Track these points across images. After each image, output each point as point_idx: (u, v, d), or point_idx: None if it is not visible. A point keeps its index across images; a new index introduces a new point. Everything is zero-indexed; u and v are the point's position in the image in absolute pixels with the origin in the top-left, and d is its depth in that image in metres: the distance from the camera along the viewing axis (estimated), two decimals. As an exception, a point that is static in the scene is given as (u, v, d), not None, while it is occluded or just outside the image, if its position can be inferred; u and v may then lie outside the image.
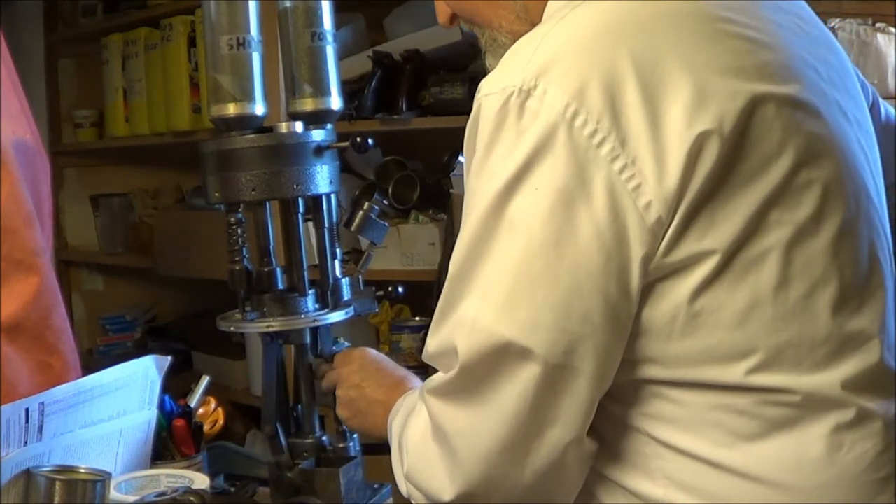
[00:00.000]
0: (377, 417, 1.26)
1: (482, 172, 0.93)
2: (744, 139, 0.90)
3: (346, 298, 1.37)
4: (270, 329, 1.31)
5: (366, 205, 1.38)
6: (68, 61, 3.48)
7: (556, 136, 0.89)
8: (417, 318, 2.58)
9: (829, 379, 0.93)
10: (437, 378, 0.99)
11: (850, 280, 0.95)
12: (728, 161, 0.90)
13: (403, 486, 1.07)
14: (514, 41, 0.99)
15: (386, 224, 1.41)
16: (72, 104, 3.45)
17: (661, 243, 0.90)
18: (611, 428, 0.99)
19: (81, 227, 3.45)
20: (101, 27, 3.25)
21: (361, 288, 1.39)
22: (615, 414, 0.98)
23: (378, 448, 1.50)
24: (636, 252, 0.89)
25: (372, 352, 1.35)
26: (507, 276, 0.92)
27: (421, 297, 2.42)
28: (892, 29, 2.05)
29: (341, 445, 1.36)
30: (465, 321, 0.94)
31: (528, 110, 0.90)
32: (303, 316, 1.32)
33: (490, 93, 0.93)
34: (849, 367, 0.94)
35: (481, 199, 0.93)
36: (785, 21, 1.02)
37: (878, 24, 2.03)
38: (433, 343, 0.99)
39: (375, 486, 1.39)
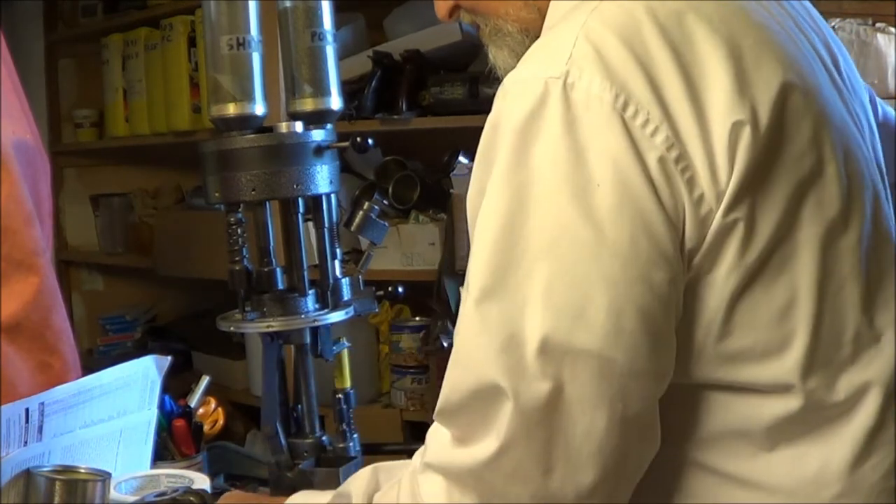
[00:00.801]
0: None
1: (519, 169, 0.87)
2: (781, 128, 0.88)
3: (346, 298, 1.37)
4: (270, 329, 1.31)
5: (366, 205, 1.38)
6: (68, 61, 3.48)
7: (612, 128, 0.85)
8: (417, 318, 2.58)
9: (853, 381, 0.91)
10: (469, 450, 0.88)
11: (872, 280, 0.94)
12: (766, 153, 0.87)
13: None
14: (522, 29, 0.97)
15: (386, 224, 1.41)
16: (72, 104, 3.45)
17: (705, 238, 0.86)
18: None
19: (81, 227, 3.46)
20: (101, 27, 3.25)
21: (361, 288, 1.39)
22: None
23: (378, 448, 1.50)
24: (687, 244, 0.86)
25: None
26: (575, 281, 0.85)
27: (421, 297, 2.42)
28: (892, 29, 2.05)
29: (341, 445, 1.36)
30: (528, 343, 0.84)
31: (576, 102, 0.86)
32: (303, 316, 1.32)
33: (523, 82, 0.88)
34: (871, 370, 0.92)
35: (526, 199, 0.86)
36: (799, 20, 1.02)
37: (878, 24, 2.03)
38: (464, 384, 0.88)
39: (375, 486, 1.38)
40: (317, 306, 1.34)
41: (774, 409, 0.90)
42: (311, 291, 1.34)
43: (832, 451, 0.91)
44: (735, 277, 0.87)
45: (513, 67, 0.95)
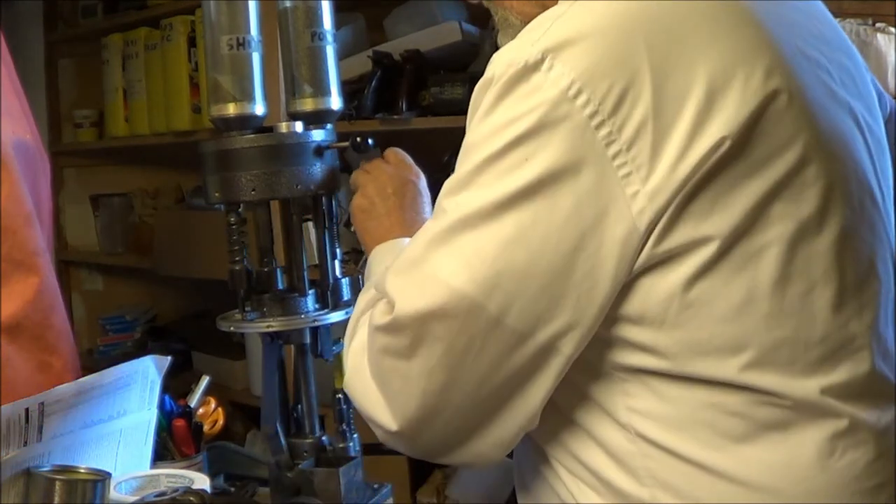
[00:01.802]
0: (367, 243, 1.28)
1: (477, 136, 0.94)
2: (752, 133, 0.90)
3: (346, 298, 1.37)
4: (270, 329, 1.31)
5: None
6: (68, 61, 3.47)
7: (557, 112, 0.89)
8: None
9: (821, 383, 0.93)
10: (385, 318, 0.97)
11: (848, 284, 0.95)
12: (733, 154, 0.90)
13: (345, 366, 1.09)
14: (524, 22, 1.00)
15: None
16: (72, 104, 3.45)
17: (649, 234, 0.90)
18: (597, 423, 0.98)
19: (81, 227, 3.45)
20: (101, 27, 3.24)
21: (361, 288, 1.39)
22: (602, 408, 0.98)
23: (378, 448, 1.50)
24: (613, 236, 0.90)
25: (406, 171, 1.37)
26: (478, 234, 0.92)
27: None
28: (892, 29, 2.05)
29: (341, 445, 1.36)
30: (435, 275, 0.93)
31: (532, 83, 0.91)
32: (303, 316, 1.32)
33: (500, 62, 0.93)
34: (842, 372, 0.94)
35: (470, 163, 0.94)
36: (800, 19, 1.02)
37: (878, 24, 2.03)
38: (395, 281, 0.97)
39: (375, 486, 1.39)
40: (317, 306, 1.34)
41: (736, 402, 0.92)
42: (311, 291, 1.34)
43: (801, 447, 0.93)
44: (686, 271, 0.91)
45: None
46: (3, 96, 1.45)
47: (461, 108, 2.67)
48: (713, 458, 0.93)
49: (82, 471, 1.14)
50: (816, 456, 0.93)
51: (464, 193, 0.94)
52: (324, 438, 1.37)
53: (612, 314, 0.94)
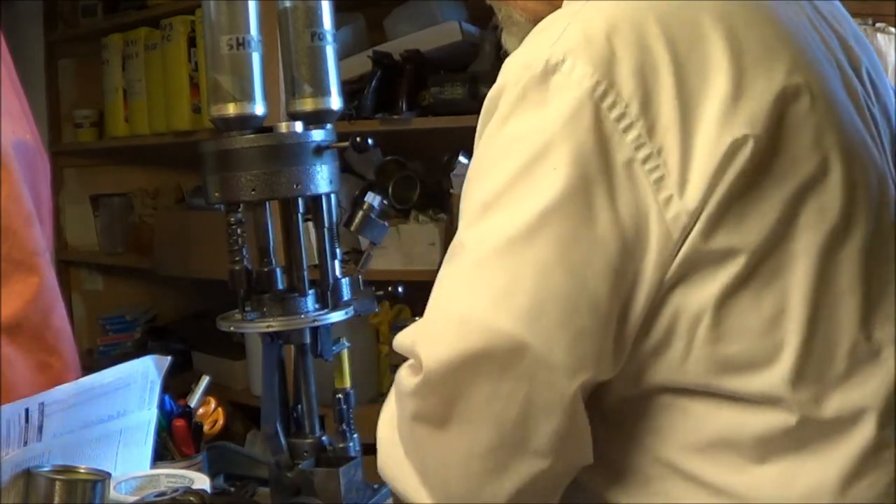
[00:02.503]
0: None
1: (494, 150, 0.88)
2: (778, 135, 0.86)
3: (346, 298, 1.37)
4: (270, 329, 1.31)
5: (365, 205, 1.38)
6: (68, 61, 3.48)
7: (582, 116, 0.84)
8: (417, 319, 2.58)
9: (849, 398, 0.88)
10: (413, 379, 0.89)
11: (873, 293, 0.90)
12: (761, 159, 0.85)
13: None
14: (529, 19, 0.97)
15: (386, 224, 1.41)
16: (72, 104, 3.45)
17: (679, 243, 0.84)
18: (614, 446, 0.93)
19: (81, 227, 3.46)
20: (101, 27, 3.25)
21: (361, 288, 1.39)
22: (621, 430, 0.92)
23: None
24: (652, 247, 0.84)
25: None
26: (506, 264, 0.85)
27: (421, 296, 2.42)
28: (892, 29, 2.05)
29: (341, 445, 1.36)
30: (467, 318, 0.85)
31: (554, 86, 0.85)
32: (303, 316, 1.32)
33: (514, 66, 0.88)
34: (868, 386, 0.89)
35: (491, 182, 0.87)
36: (818, 21, 0.99)
37: (878, 24, 2.03)
38: (420, 335, 0.90)
39: (375, 486, 1.38)
40: (317, 306, 1.34)
41: (763, 421, 0.88)
42: (310, 291, 1.34)
43: (825, 468, 0.88)
44: (718, 285, 0.85)
45: None
46: (3, 96, 1.45)
47: (461, 108, 2.70)
48: (731, 481, 0.88)
49: (82, 471, 1.14)
50: (843, 475, 0.88)
51: (489, 219, 0.86)
52: (324, 438, 1.37)
53: (633, 331, 0.87)
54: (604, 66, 0.85)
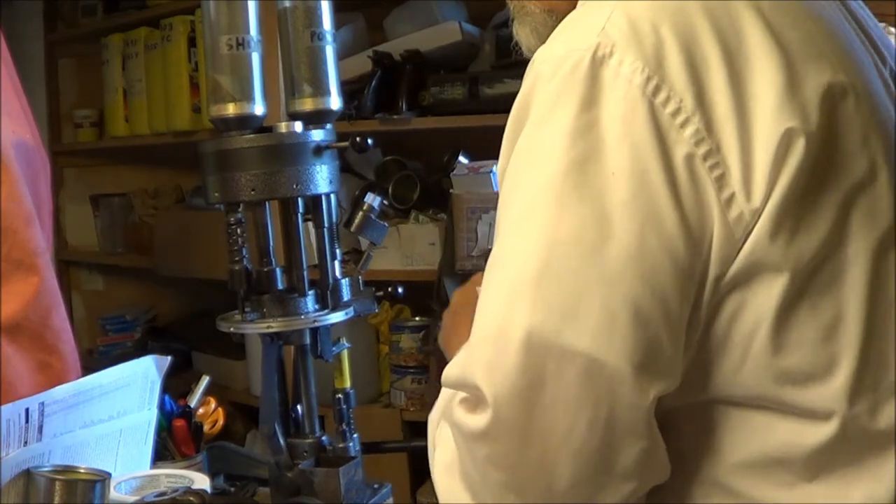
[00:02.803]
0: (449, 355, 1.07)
1: (540, 146, 0.81)
2: (829, 133, 0.82)
3: (346, 299, 1.37)
4: (270, 330, 1.31)
5: (365, 205, 1.38)
6: (68, 61, 3.48)
7: (637, 113, 0.78)
8: (417, 318, 2.58)
9: None
10: (478, 417, 0.81)
11: None
12: (815, 157, 0.80)
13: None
14: (546, 10, 0.94)
15: (386, 224, 1.41)
16: (72, 104, 3.45)
17: (740, 244, 0.80)
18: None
19: (81, 227, 3.46)
20: (101, 27, 3.25)
21: (361, 288, 1.39)
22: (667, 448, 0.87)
23: (378, 447, 1.50)
24: (714, 248, 0.79)
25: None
26: (569, 273, 0.78)
27: (421, 297, 2.42)
28: (893, 29, 2.05)
29: (341, 445, 1.36)
30: (534, 338, 0.78)
31: (603, 80, 0.80)
32: (303, 316, 1.32)
33: (551, 57, 0.82)
34: None
35: (540, 181, 0.80)
36: (852, 21, 0.96)
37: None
38: (476, 363, 0.81)
39: (375, 486, 1.38)
40: (317, 307, 1.34)
41: (817, 435, 0.83)
42: (310, 292, 1.34)
43: (877, 482, 0.84)
44: (779, 292, 0.81)
45: (534, 46, 0.91)
46: (3, 96, 1.45)
47: (461, 108, 2.71)
48: (781, 499, 0.85)
49: (82, 471, 1.14)
50: (888, 491, 0.84)
51: (543, 226, 0.80)
52: (324, 438, 1.37)
53: (696, 337, 0.83)
54: (654, 59, 0.80)
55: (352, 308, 1.36)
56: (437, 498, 0.92)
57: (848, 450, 0.84)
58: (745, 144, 0.79)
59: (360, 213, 1.37)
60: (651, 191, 0.79)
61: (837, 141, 0.83)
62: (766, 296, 0.81)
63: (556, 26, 0.89)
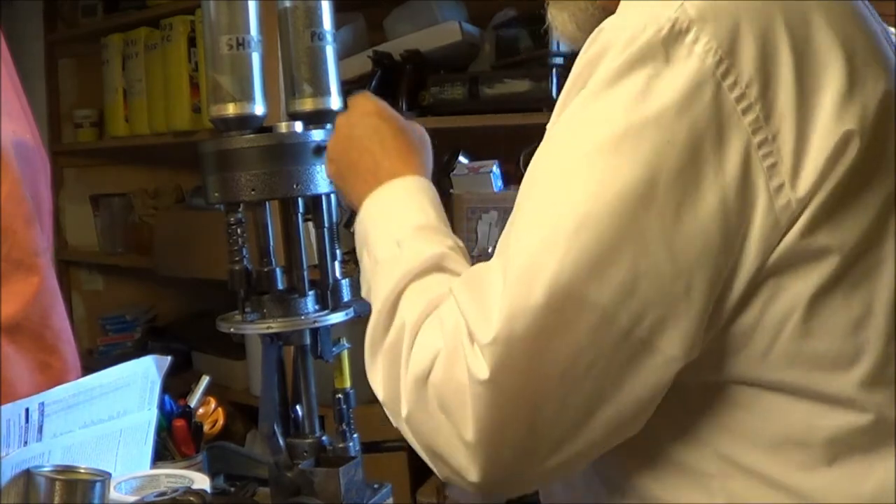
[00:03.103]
0: (358, 188, 1.07)
1: (596, 113, 0.83)
2: (881, 136, 0.85)
3: (346, 299, 1.37)
4: (270, 330, 1.31)
5: None
6: (68, 61, 3.48)
7: (703, 92, 0.81)
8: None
9: None
10: (481, 333, 0.82)
11: None
12: (865, 157, 0.84)
13: (381, 394, 0.94)
14: None
15: None
16: (72, 104, 3.45)
17: (784, 232, 0.82)
18: (670, 440, 0.90)
19: (81, 227, 3.45)
20: (101, 27, 3.25)
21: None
22: (681, 423, 0.90)
23: (378, 446, 1.50)
24: (756, 233, 0.82)
25: (386, 108, 1.14)
26: (608, 230, 0.80)
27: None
28: (892, 29, 2.05)
29: (341, 445, 1.36)
30: (547, 278, 0.80)
31: (676, 55, 0.82)
32: (303, 317, 1.32)
33: (628, 26, 0.83)
34: None
35: (597, 134, 0.82)
36: (879, 25, 0.99)
37: (878, 24, 2.03)
38: (491, 294, 0.83)
39: (375, 485, 1.39)
40: (317, 307, 1.34)
41: (837, 421, 0.87)
42: (311, 292, 1.34)
43: (890, 475, 0.87)
44: (814, 281, 0.84)
45: (571, 32, 0.93)
46: (3, 96, 1.45)
47: (461, 108, 2.70)
48: (799, 481, 0.87)
49: (82, 471, 1.14)
50: None
51: (588, 178, 0.82)
52: (324, 438, 1.37)
53: (725, 318, 0.85)
54: (728, 42, 0.82)
55: (352, 309, 1.36)
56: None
57: (867, 437, 0.87)
58: (800, 138, 0.82)
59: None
60: (699, 168, 0.81)
61: (886, 144, 0.86)
62: (803, 284, 0.84)
63: (595, 14, 0.92)
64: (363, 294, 1.05)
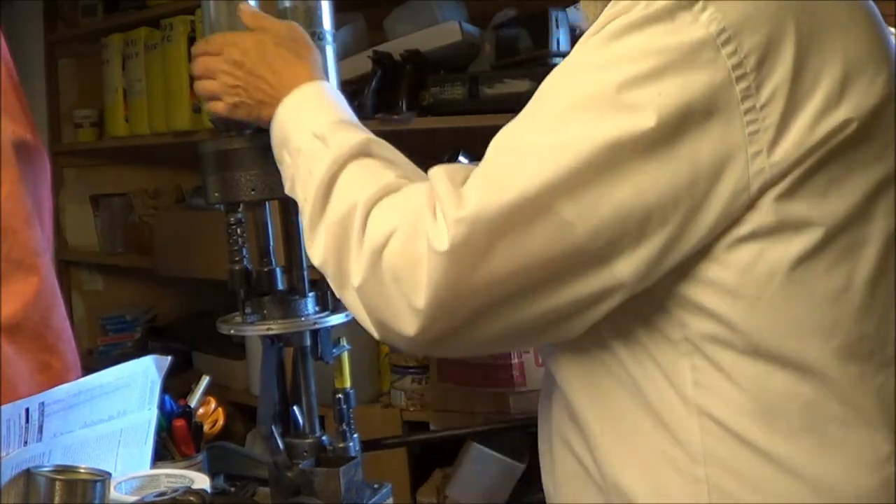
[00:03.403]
0: (265, 107, 1.19)
1: (600, 58, 0.92)
2: (874, 123, 0.93)
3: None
4: (271, 332, 1.31)
5: None
6: (68, 61, 3.47)
7: (702, 54, 0.89)
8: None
9: (892, 383, 0.95)
10: (454, 209, 0.93)
11: None
12: (855, 139, 0.91)
13: (319, 258, 1.05)
14: None
15: None
16: (72, 104, 3.44)
17: (759, 197, 0.90)
18: (657, 394, 0.97)
19: (81, 227, 3.45)
20: (101, 27, 3.24)
21: None
22: (668, 380, 0.96)
23: (378, 443, 1.50)
24: (723, 189, 0.89)
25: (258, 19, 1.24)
26: (589, 154, 0.89)
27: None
28: (893, 29, 2.05)
29: (341, 445, 1.36)
30: (523, 173, 0.91)
31: (680, 20, 0.90)
32: (303, 318, 1.32)
33: None
34: None
35: (596, 82, 0.91)
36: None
37: (877, 24, 2.03)
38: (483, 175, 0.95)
39: (375, 485, 1.39)
40: (317, 308, 1.34)
41: (808, 390, 0.93)
42: (311, 294, 1.34)
43: (859, 446, 0.93)
44: (797, 248, 0.91)
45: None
46: (3, 96, 1.45)
47: (461, 108, 2.69)
48: (780, 447, 0.93)
49: (82, 471, 1.14)
50: (873, 459, 0.93)
51: (577, 114, 0.91)
52: (324, 438, 1.37)
53: (699, 277, 0.93)
54: (735, 19, 0.89)
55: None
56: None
57: (838, 409, 0.93)
58: (787, 115, 0.89)
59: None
60: (682, 123, 0.88)
61: (881, 131, 0.94)
62: (784, 250, 0.91)
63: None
64: (286, 190, 1.13)
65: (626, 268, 0.91)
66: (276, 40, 1.22)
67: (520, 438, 2.05)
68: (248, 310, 1.32)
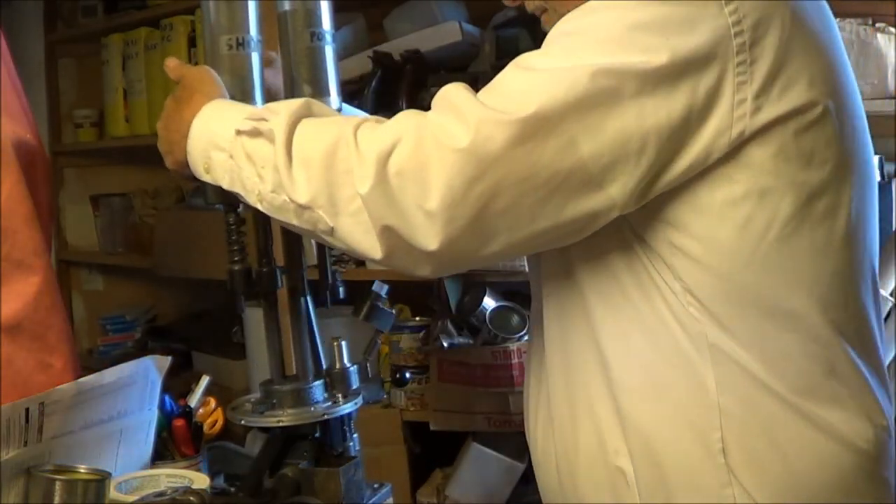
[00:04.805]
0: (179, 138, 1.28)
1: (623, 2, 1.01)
2: (838, 113, 1.06)
3: (354, 387, 1.36)
4: (281, 424, 1.31)
5: (372, 294, 1.39)
6: (68, 61, 3.47)
7: (706, 8, 1.00)
8: (417, 318, 2.58)
9: (854, 346, 1.09)
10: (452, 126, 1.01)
11: (862, 263, 1.12)
12: (820, 119, 1.03)
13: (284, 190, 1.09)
14: None
15: (392, 311, 1.42)
16: (72, 104, 3.44)
17: (739, 140, 1.00)
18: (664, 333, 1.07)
19: (81, 227, 3.45)
20: (101, 27, 3.24)
21: (370, 375, 1.39)
22: (684, 332, 1.06)
23: (378, 446, 1.50)
24: (710, 126, 1.00)
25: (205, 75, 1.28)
26: (602, 81, 0.98)
27: (421, 296, 2.43)
28: (892, 29, 2.05)
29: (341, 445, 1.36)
30: (539, 93, 0.99)
31: None
32: (313, 408, 1.31)
33: None
34: (862, 337, 1.10)
35: (610, 19, 1.01)
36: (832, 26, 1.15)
37: (878, 24, 2.03)
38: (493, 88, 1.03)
39: (375, 485, 1.39)
40: (325, 395, 1.34)
41: (796, 338, 1.05)
42: (318, 382, 1.33)
43: (848, 404, 1.07)
44: (788, 205, 1.03)
45: None
46: (3, 96, 1.45)
47: (461, 108, 2.64)
48: (778, 380, 1.05)
49: (82, 471, 1.15)
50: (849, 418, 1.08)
51: (590, 49, 1.00)
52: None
53: (662, 186, 1.03)
54: None
55: (360, 397, 1.35)
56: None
57: (823, 362, 1.06)
58: (771, 76, 1.01)
59: (368, 302, 1.38)
60: (684, 67, 0.99)
61: (843, 126, 1.07)
62: (773, 210, 1.03)
63: None
64: (226, 186, 1.16)
65: (620, 188, 1.01)
66: (178, 92, 1.28)
67: (520, 438, 2.05)
68: (258, 403, 1.35)
